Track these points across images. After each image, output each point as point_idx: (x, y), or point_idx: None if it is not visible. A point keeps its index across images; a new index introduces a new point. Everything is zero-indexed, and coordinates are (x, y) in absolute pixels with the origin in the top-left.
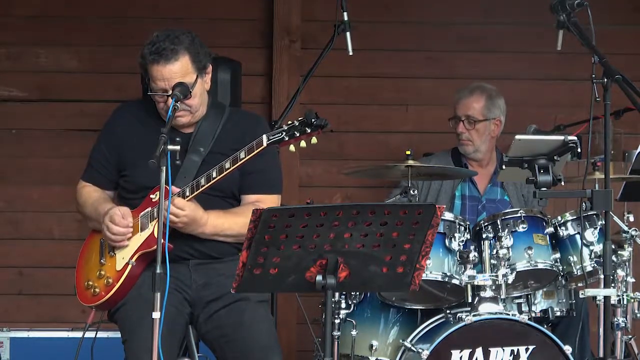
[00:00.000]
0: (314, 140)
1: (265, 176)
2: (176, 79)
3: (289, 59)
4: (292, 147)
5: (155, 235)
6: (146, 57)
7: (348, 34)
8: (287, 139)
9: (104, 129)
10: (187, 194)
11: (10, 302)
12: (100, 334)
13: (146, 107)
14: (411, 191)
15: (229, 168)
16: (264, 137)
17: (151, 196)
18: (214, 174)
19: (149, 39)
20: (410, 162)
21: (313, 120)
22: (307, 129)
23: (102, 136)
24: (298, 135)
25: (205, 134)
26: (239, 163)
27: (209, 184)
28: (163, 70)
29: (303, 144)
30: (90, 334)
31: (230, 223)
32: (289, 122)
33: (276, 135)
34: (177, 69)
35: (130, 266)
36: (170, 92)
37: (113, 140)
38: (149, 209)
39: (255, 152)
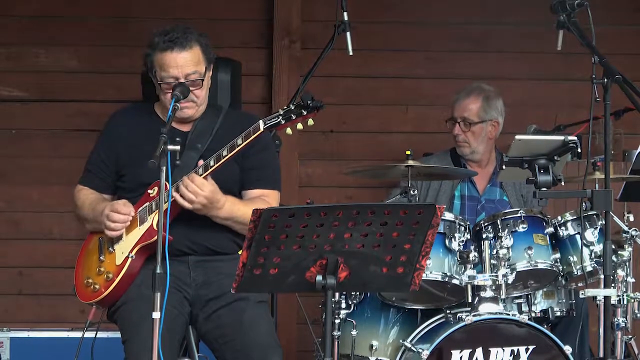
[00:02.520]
0: (310, 122)
1: (266, 172)
2: (189, 67)
3: (289, 59)
4: (289, 130)
5: (155, 226)
6: (158, 45)
7: (348, 34)
8: (283, 122)
9: (102, 134)
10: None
11: (10, 302)
12: (100, 334)
13: (143, 109)
14: (411, 191)
15: (226, 155)
16: (261, 121)
17: (149, 191)
18: (212, 162)
19: (156, 31)
20: (410, 162)
21: (309, 102)
22: (303, 111)
23: (100, 141)
24: (294, 117)
25: (203, 132)
26: (237, 149)
27: (206, 173)
28: (177, 57)
29: (300, 126)
30: (90, 334)
31: (244, 211)
32: (285, 106)
33: (273, 119)
34: (191, 57)
35: (130, 260)
36: (181, 80)
37: (111, 144)
38: (147, 203)
39: (253, 137)
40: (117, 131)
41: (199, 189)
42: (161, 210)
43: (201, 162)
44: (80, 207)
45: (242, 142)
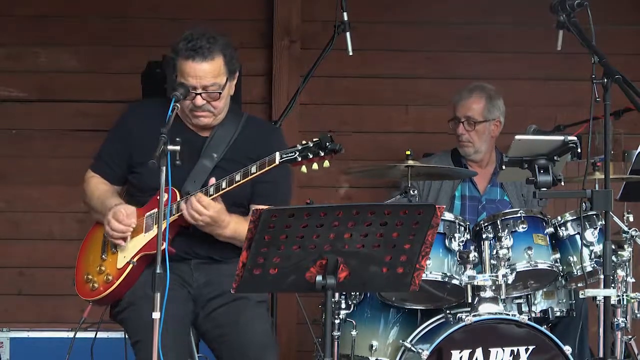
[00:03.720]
0: (326, 164)
1: (276, 187)
2: (208, 79)
3: (289, 59)
4: (304, 168)
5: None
6: (181, 52)
7: (348, 34)
8: (299, 159)
9: (119, 123)
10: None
11: (10, 302)
12: (100, 334)
13: (160, 106)
14: (411, 191)
15: (239, 181)
16: (277, 154)
17: (158, 197)
18: (224, 185)
19: (182, 36)
20: (410, 162)
21: (327, 144)
22: (320, 152)
23: (114, 131)
24: (311, 157)
25: (220, 140)
26: (249, 177)
27: (217, 194)
28: (197, 68)
29: (315, 166)
30: (89, 334)
31: None
32: (303, 143)
33: (289, 155)
34: (211, 69)
35: (131, 266)
36: (199, 90)
37: (126, 137)
38: (155, 210)
39: (267, 168)
40: (131, 126)
41: (204, 209)
42: (161, 212)
43: (213, 181)
44: (89, 196)
45: (256, 171)
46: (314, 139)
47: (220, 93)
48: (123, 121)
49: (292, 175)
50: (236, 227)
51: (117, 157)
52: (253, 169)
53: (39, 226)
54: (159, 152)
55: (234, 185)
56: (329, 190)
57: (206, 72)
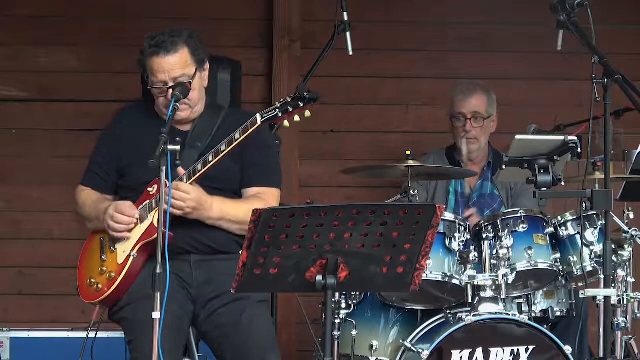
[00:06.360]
0: (307, 113)
1: (266, 169)
2: (176, 71)
3: (289, 59)
4: (286, 123)
5: (155, 223)
6: (145, 50)
7: (348, 34)
8: (280, 114)
9: (104, 133)
10: (185, 180)
11: (10, 302)
12: (101, 334)
13: (146, 108)
14: (411, 191)
15: (224, 150)
16: (258, 115)
17: (149, 189)
18: (210, 158)
19: (146, 36)
20: (410, 162)
21: (305, 94)
22: (299, 103)
23: (102, 140)
24: (291, 110)
25: (203, 131)
26: (235, 144)
27: (205, 168)
28: (163, 62)
29: (297, 118)
30: (90, 334)
31: (235, 209)
32: (282, 99)
33: (270, 113)
34: (177, 61)
35: (132, 258)
36: (170, 84)
37: (113, 143)
38: (147, 201)
39: (250, 130)
40: (119, 129)
41: (186, 195)
42: (161, 210)
43: (181, 171)
44: (81, 206)
45: (240, 136)
46: (291, 94)
47: (190, 83)
48: (108, 130)
49: (279, 158)
50: (221, 206)
51: (106, 165)
52: (237, 135)
53: (39, 226)
54: (159, 151)
55: (221, 155)
56: (329, 190)
57: (173, 64)
